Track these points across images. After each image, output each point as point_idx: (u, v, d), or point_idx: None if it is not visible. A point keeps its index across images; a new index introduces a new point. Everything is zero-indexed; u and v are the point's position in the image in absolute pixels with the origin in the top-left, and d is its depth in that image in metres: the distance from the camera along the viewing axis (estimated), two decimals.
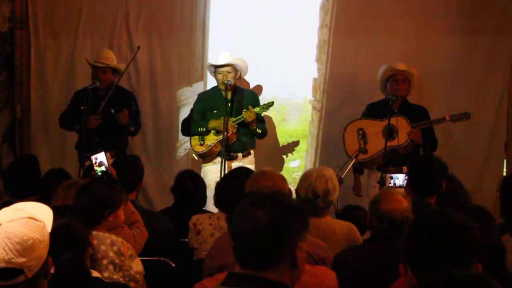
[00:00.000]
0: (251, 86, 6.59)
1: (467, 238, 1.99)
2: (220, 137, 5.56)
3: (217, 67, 5.66)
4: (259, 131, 5.68)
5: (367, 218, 3.36)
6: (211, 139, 5.68)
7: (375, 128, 5.61)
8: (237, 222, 1.95)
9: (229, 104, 5.60)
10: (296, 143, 6.78)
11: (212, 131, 5.69)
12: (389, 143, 5.35)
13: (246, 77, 6.12)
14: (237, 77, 5.73)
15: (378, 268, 2.93)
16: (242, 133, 5.66)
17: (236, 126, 5.56)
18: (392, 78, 5.64)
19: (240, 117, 5.56)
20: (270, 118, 6.66)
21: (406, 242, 2.06)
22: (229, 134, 5.47)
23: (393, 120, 5.36)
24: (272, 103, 5.65)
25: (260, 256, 1.90)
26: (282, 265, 1.90)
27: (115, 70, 5.86)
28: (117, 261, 2.98)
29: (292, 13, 6.68)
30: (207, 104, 5.79)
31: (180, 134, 6.70)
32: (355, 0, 6.66)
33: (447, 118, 5.52)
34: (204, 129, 5.70)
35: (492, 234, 2.54)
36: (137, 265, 3.12)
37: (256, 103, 5.70)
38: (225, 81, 5.53)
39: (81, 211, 3.08)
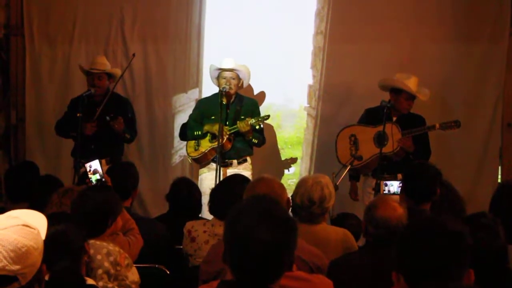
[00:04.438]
0: (255, 93, 6.59)
1: (459, 245, 1.99)
2: (214, 143, 5.56)
3: (223, 70, 5.63)
4: (255, 141, 5.65)
5: (361, 225, 3.36)
6: (206, 146, 5.67)
7: (367, 134, 5.61)
8: (242, 243, 1.92)
9: (227, 111, 5.59)
10: (294, 160, 6.84)
11: (207, 137, 5.68)
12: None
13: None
14: (239, 84, 5.72)
15: (373, 275, 2.93)
16: (238, 140, 5.65)
17: (229, 134, 5.53)
18: (406, 96, 5.56)
19: (235, 126, 5.55)
20: (271, 127, 6.66)
21: (397, 250, 2.05)
22: (223, 142, 5.46)
23: (386, 128, 5.34)
24: (268, 116, 5.56)
25: (268, 274, 1.92)
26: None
27: (110, 76, 5.87)
28: (112, 271, 2.97)
29: (287, 20, 6.69)
30: (206, 110, 5.76)
31: (175, 141, 6.71)
32: (350, 7, 6.66)
33: (437, 126, 5.50)
34: (199, 132, 5.70)
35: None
36: (133, 275, 3.11)
37: (255, 112, 5.68)
38: (222, 88, 5.53)
39: (83, 221, 3.06)
